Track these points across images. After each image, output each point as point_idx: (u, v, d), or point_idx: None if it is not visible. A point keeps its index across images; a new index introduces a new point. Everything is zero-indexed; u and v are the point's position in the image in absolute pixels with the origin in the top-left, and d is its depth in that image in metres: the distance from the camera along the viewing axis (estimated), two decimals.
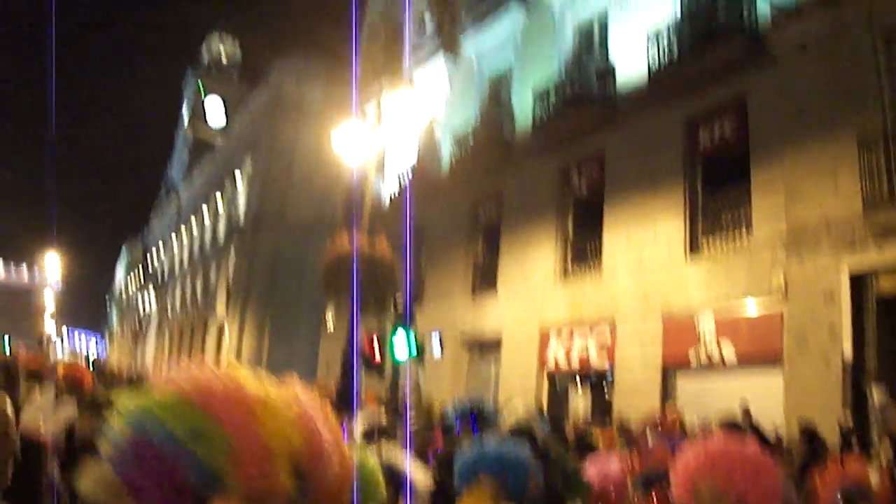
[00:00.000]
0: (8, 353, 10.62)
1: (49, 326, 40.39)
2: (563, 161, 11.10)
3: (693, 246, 8.96)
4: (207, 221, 33.81)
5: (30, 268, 55.43)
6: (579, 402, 10.22)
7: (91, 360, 17.83)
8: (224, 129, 46.03)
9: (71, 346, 43.95)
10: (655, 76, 9.42)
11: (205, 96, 49.48)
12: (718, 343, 8.27)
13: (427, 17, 15.86)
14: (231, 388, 0.72)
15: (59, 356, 17.37)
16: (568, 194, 11.14)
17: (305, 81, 28.00)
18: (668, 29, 9.45)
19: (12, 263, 53.77)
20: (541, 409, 8.87)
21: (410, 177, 14.82)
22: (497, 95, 13.30)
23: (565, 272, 10.97)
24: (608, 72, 10.43)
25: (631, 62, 10.13)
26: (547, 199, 11.32)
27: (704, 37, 8.74)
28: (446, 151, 14.19)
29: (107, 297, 53.54)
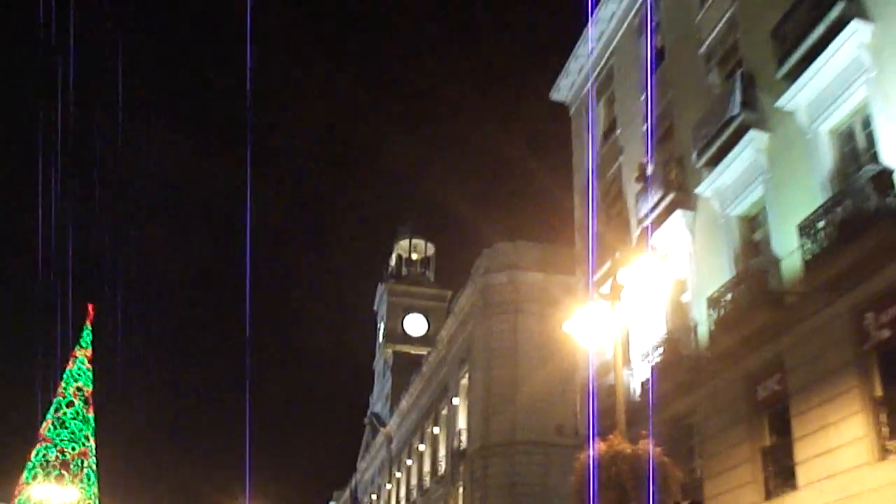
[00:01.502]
0: None
1: None
2: (852, 303, 10.76)
3: None
4: (424, 449, 37.41)
5: None
6: None
7: None
8: (427, 342, 53.18)
9: None
10: None
11: (403, 314, 57.25)
12: None
13: (650, 169, 17.79)
14: None
15: None
16: (868, 345, 10.68)
17: (520, 271, 31.10)
18: None
19: None
20: None
21: (660, 356, 15.95)
22: (751, 239, 14.28)
23: (884, 450, 10.40)
24: (887, 177, 10.24)
25: None
26: (841, 357, 10.97)
27: None
28: (702, 319, 14.81)
29: None
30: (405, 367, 50.66)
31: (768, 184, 13.32)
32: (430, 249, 62.78)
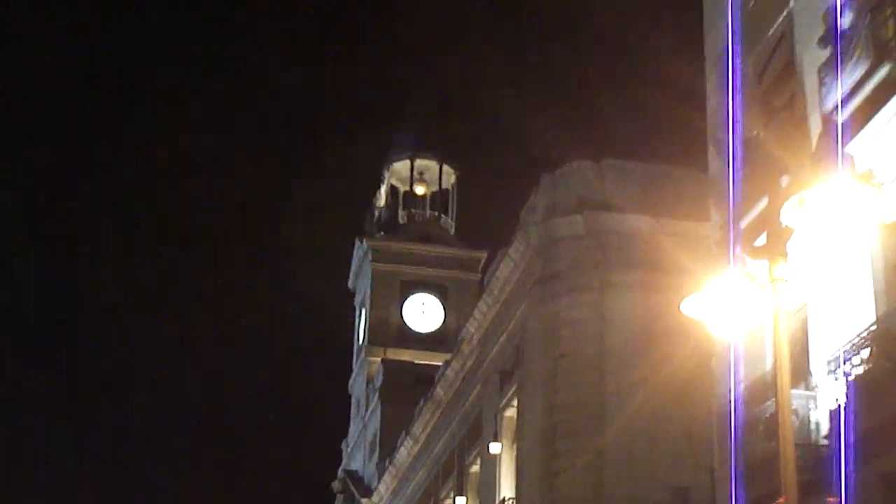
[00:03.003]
0: None
1: None
2: None
3: None
4: None
5: None
6: None
7: None
8: (442, 343, 50.90)
9: None
10: None
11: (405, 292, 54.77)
12: None
13: (845, 21, 17.02)
14: None
15: None
16: None
17: (608, 212, 29.71)
18: None
19: None
20: None
21: (864, 365, 15.29)
22: None
23: None
24: None
25: None
26: None
27: None
28: None
29: None
30: (404, 390, 47.65)
31: None
32: (450, 178, 58.33)
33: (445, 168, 57.07)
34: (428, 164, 57.01)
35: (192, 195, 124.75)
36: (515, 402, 31.74)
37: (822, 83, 17.82)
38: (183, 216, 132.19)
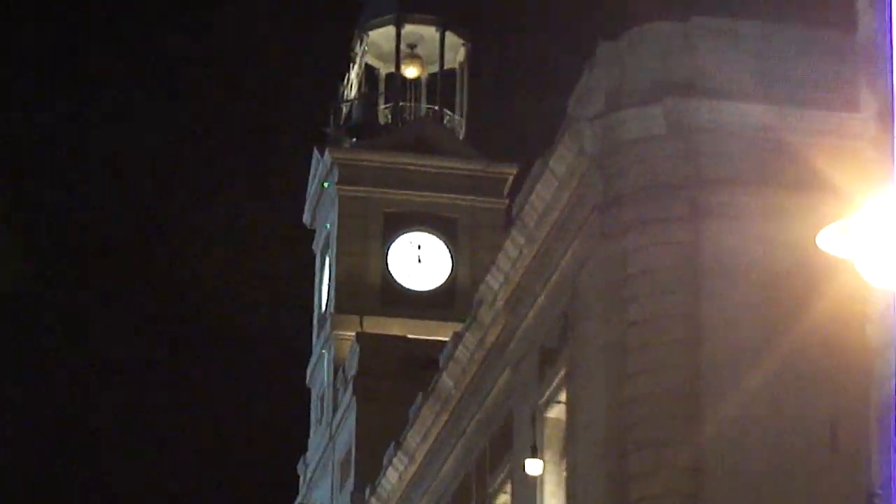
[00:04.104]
0: None
1: None
2: None
3: None
4: None
5: None
6: None
7: None
8: (448, 307, 49.03)
9: None
10: None
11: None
12: None
13: None
14: None
15: None
16: None
17: (703, 98, 28.03)
18: None
19: None
20: None
21: None
22: None
23: None
24: None
25: None
26: None
27: None
28: None
29: None
30: (391, 380, 45.58)
31: None
32: (457, 52, 54.88)
33: (450, 37, 54.13)
34: (423, 32, 54.03)
35: None
36: (563, 397, 30.69)
37: None
38: None
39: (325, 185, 53.73)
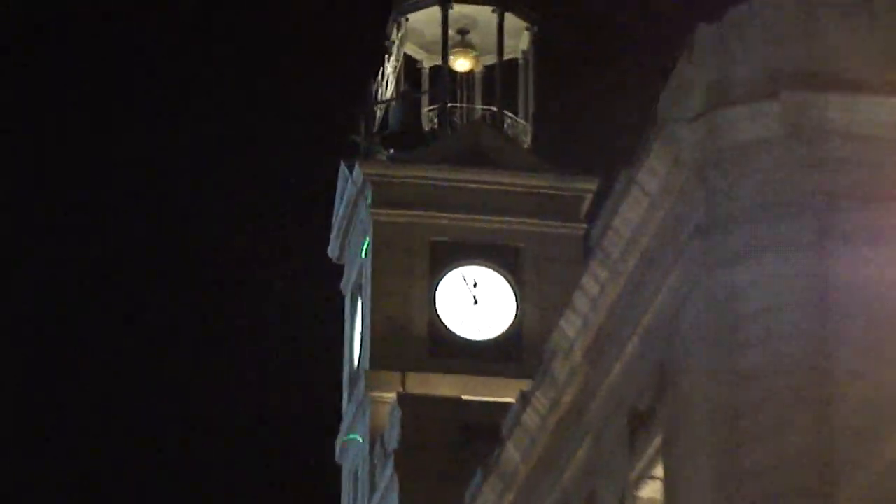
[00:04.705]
0: None
1: None
2: None
3: None
4: None
5: None
6: None
7: None
8: (512, 361, 46.54)
9: None
10: None
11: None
12: None
13: None
14: None
15: None
16: None
17: (827, 93, 25.46)
18: None
19: None
20: None
21: None
22: None
23: None
24: None
25: None
26: None
27: None
28: None
29: None
30: (442, 452, 42.54)
31: None
32: (520, 38, 51.87)
33: (510, 19, 51.79)
34: (477, 14, 51.80)
35: None
36: (659, 472, 28.91)
37: None
38: None
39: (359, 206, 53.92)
